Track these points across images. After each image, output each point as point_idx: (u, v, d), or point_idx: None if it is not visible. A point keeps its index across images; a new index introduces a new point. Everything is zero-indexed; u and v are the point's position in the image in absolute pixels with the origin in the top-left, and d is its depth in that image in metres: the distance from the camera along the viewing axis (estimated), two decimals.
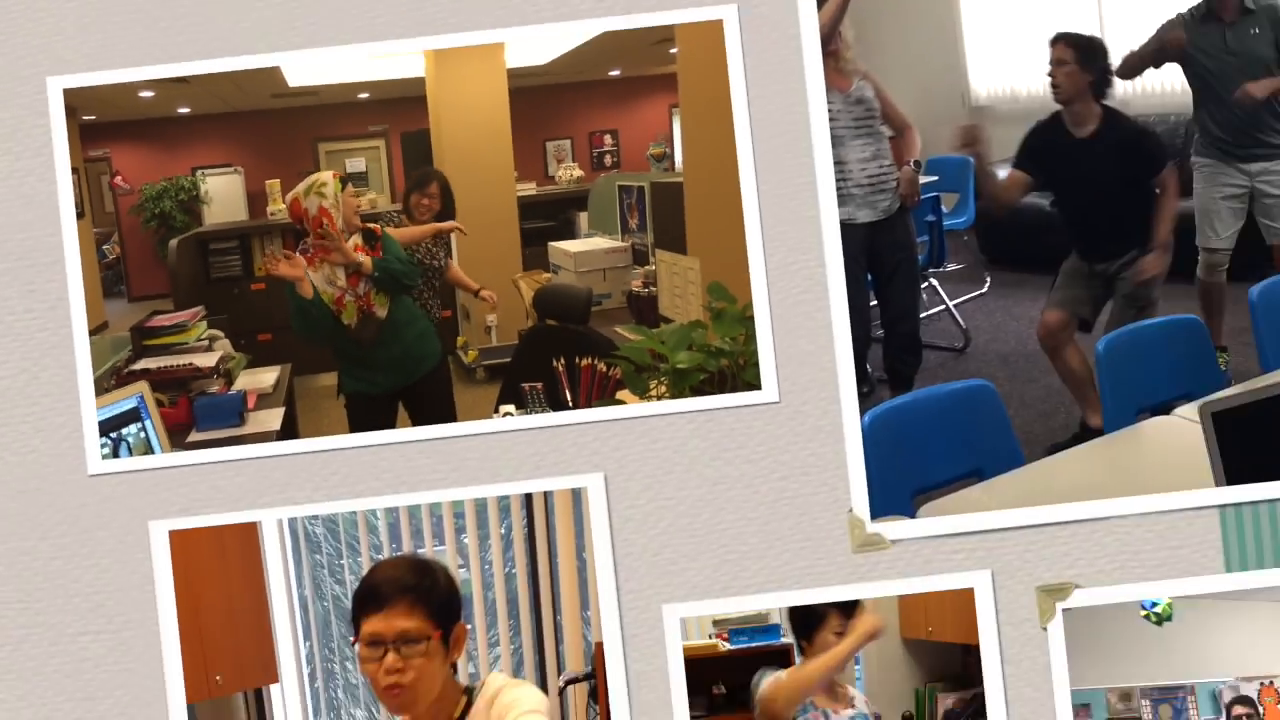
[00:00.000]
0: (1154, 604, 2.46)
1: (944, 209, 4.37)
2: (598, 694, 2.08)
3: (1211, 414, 1.84)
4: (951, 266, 4.93)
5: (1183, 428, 2.32)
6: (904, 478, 2.20)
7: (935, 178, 4.22)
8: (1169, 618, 2.56)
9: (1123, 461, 2.31)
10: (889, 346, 3.43)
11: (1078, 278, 3.05)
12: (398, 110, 2.71)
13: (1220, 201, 3.40)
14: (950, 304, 4.56)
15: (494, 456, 1.97)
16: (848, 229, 2.57)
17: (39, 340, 1.95)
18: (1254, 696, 2.92)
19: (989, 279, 5.07)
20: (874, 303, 3.36)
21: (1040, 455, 2.58)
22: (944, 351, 4.32)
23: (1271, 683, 2.97)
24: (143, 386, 2.07)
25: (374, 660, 1.76)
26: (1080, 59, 2.98)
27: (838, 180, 2.49)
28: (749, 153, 2.03)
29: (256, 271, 2.60)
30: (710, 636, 2.26)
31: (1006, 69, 4.11)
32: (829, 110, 2.35)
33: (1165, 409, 2.42)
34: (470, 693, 1.93)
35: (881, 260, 3.31)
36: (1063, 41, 3.01)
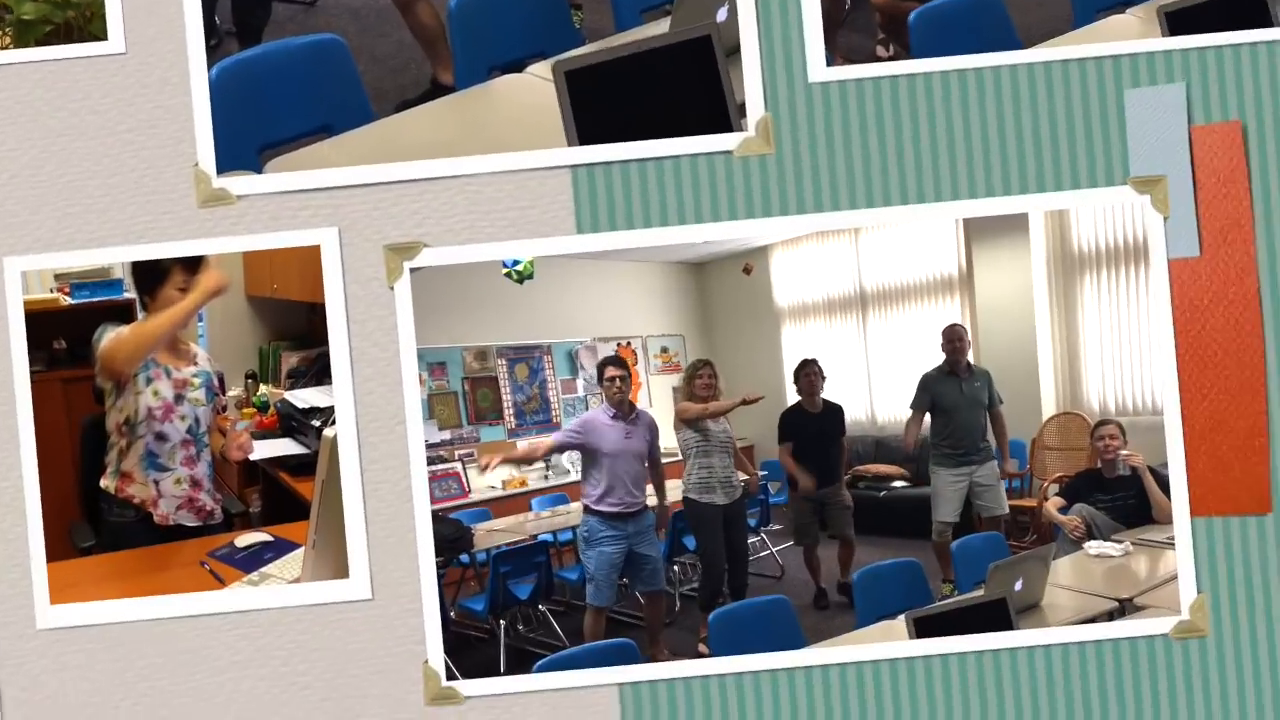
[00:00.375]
0: (515, 263, 2.48)
1: None
2: None
3: (565, 72, 1.70)
4: None
5: (536, 86, 2.21)
6: (251, 132, 2.12)
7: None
8: (530, 275, 2.62)
9: (475, 119, 2.17)
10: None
11: None
12: None
13: (950, 489, 4.80)
14: None
15: None
16: None
17: None
18: (618, 355, 2.89)
19: None
20: None
21: (390, 112, 2.48)
22: (294, 4, 4.11)
23: (629, 343, 3.14)
24: None
25: None
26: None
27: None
28: None
29: None
30: (51, 290, 2.25)
31: None
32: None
33: (518, 67, 2.30)
34: None
35: None
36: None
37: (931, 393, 5.36)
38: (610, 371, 4.43)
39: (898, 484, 7.22)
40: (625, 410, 4.43)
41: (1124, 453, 4.40)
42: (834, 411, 4.91)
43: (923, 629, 2.20)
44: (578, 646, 2.85)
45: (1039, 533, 5.94)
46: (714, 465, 4.65)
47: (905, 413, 7.38)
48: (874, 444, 7.88)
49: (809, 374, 4.80)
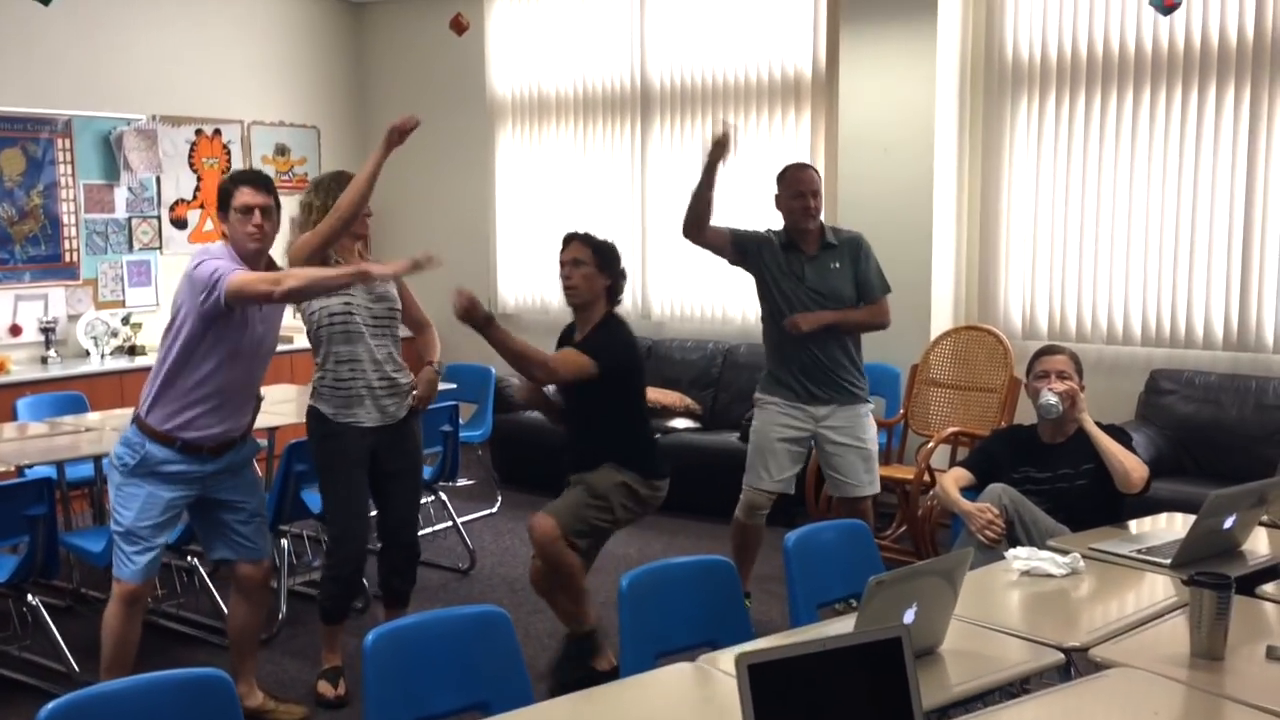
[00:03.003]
0: None
1: (460, 419, 6.21)
2: None
3: (748, 665, 2.13)
4: (463, 481, 6.60)
5: (706, 676, 2.75)
6: (404, 707, 2.70)
7: (454, 385, 6.54)
8: None
9: (639, 711, 2.65)
10: (386, 559, 4.52)
11: None
12: None
13: (779, 444, 4.65)
14: (458, 521, 6.30)
15: None
16: (353, 431, 4.21)
17: None
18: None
19: (500, 498, 7.19)
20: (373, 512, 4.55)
21: (545, 695, 3.48)
22: (447, 571, 5.93)
23: (218, 131, 3.10)
24: None
25: None
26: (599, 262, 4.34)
27: (349, 380, 4.17)
28: None
29: None
30: None
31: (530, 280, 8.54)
32: (349, 304, 4.14)
33: (686, 654, 2.92)
34: None
35: (385, 467, 4.37)
36: (577, 241, 4.41)
37: (758, 263, 5.06)
38: (245, 197, 3.84)
39: (680, 423, 6.77)
40: (253, 266, 3.92)
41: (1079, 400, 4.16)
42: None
43: (760, 682, 2.12)
44: (93, 685, 2.36)
45: (913, 525, 5.59)
46: (361, 360, 4.28)
47: (702, 301, 7.23)
48: (643, 351, 7.53)
49: None
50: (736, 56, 7.12)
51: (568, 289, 4.30)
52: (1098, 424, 3.89)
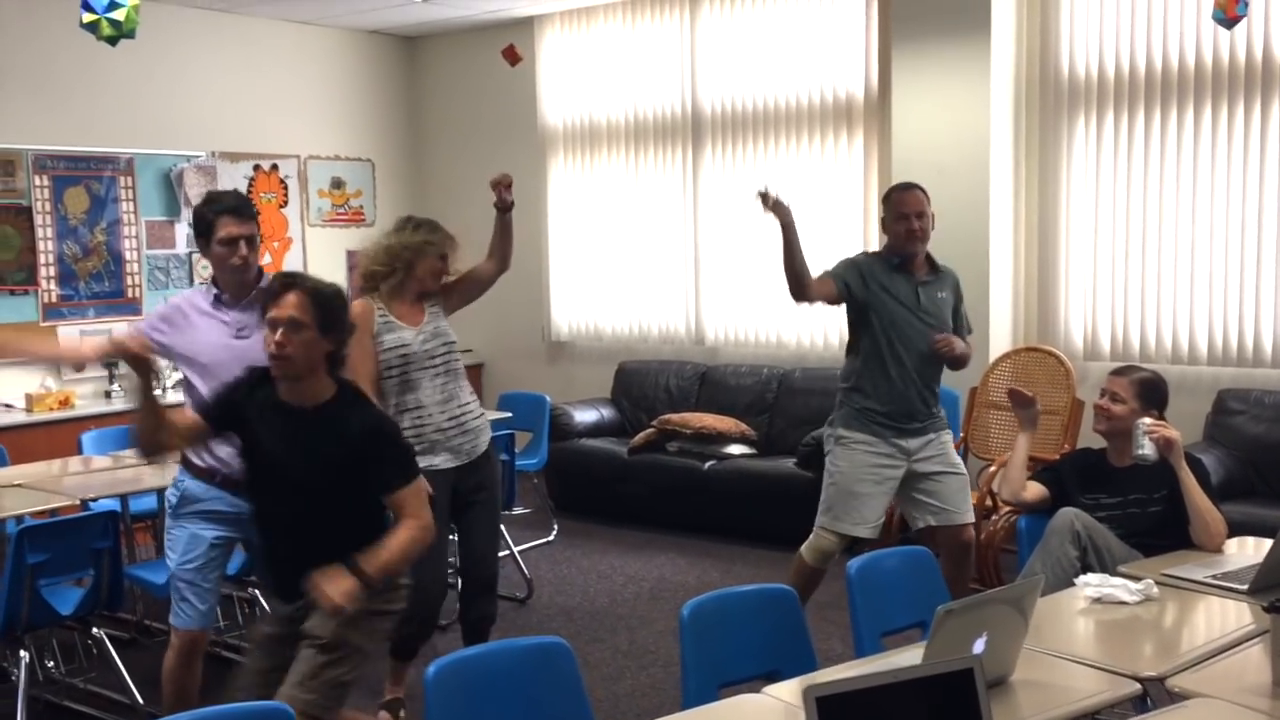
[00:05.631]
0: (110, 4, 3.60)
1: (516, 448, 6.17)
2: None
3: (817, 698, 2.12)
4: (519, 510, 6.54)
5: (770, 708, 2.69)
6: None
7: (509, 414, 6.62)
8: (130, 33, 3.64)
9: None
10: (466, 594, 4.41)
11: None
12: None
13: (874, 486, 4.45)
14: (515, 550, 6.11)
15: None
16: (430, 475, 3.81)
17: None
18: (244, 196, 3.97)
19: (556, 526, 7.15)
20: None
21: None
22: (505, 600, 5.37)
23: (275, 165, 3.41)
24: None
25: None
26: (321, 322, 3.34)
27: (417, 428, 4.08)
28: None
29: None
30: None
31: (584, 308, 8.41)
32: (402, 354, 4.08)
33: (749, 684, 2.91)
34: None
35: (464, 498, 4.30)
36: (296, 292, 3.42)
37: (865, 294, 4.73)
38: (228, 229, 3.80)
39: (735, 449, 6.71)
40: (237, 291, 3.84)
41: (1145, 424, 3.93)
42: None
43: (829, 714, 2.12)
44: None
45: (977, 551, 5.54)
46: (425, 405, 4.15)
47: (757, 326, 7.14)
48: (698, 378, 7.42)
49: None
50: (788, 80, 7.08)
51: (277, 358, 3.14)
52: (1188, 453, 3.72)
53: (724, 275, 7.39)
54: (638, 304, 7.89)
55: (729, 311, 7.49)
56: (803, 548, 4.46)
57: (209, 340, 3.68)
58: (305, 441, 3.05)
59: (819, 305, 4.56)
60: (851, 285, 4.34)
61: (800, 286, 4.29)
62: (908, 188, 4.44)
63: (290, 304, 3.16)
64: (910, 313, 4.32)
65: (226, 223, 3.64)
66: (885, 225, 4.41)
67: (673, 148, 7.62)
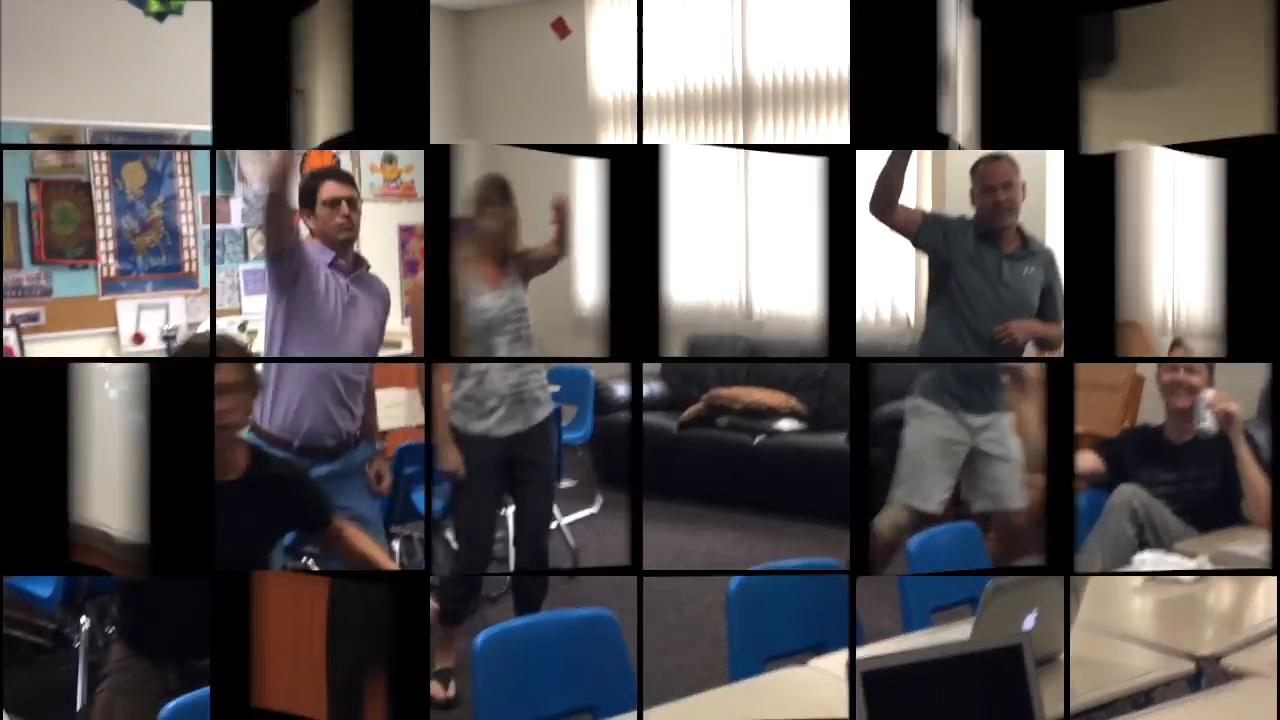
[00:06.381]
0: None
1: (562, 421, 5.75)
2: None
3: (863, 673, 2.13)
4: (566, 483, 6.35)
5: (818, 682, 2.79)
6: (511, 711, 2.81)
7: (557, 388, 5.71)
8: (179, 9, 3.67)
9: (750, 716, 2.66)
10: (521, 563, 4.74)
11: None
12: None
13: (942, 459, 4.39)
14: (562, 521, 5.98)
15: None
16: (486, 441, 4.22)
17: None
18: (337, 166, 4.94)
19: (601, 498, 6.80)
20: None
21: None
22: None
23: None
24: None
25: None
26: None
27: (476, 391, 4.25)
28: None
29: None
30: None
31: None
32: (483, 313, 4.18)
33: (796, 658, 2.99)
34: None
35: (516, 474, 4.41)
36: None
37: (945, 252, 4.63)
38: (331, 190, 4.15)
39: (785, 424, 6.72)
40: (350, 260, 4.18)
41: (1208, 395, 3.93)
42: None
43: (876, 690, 2.13)
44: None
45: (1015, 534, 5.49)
46: (489, 369, 4.28)
47: (801, 301, 7.08)
48: (747, 350, 7.41)
49: None
50: (842, 50, 6.95)
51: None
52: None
53: (772, 249, 7.30)
54: (688, 279, 7.84)
55: (777, 285, 7.39)
56: (876, 519, 4.40)
57: (329, 303, 3.95)
58: None
59: (887, 232, 4.31)
60: (934, 237, 4.28)
61: (886, 199, 4.15)
62: (995, 158, 4.30)
63: None
64: (989, 285, 4.25)
65: (330, 186, 3.98)
66: (973, 198, 4.32)
67: (723, 119, 7.55)
